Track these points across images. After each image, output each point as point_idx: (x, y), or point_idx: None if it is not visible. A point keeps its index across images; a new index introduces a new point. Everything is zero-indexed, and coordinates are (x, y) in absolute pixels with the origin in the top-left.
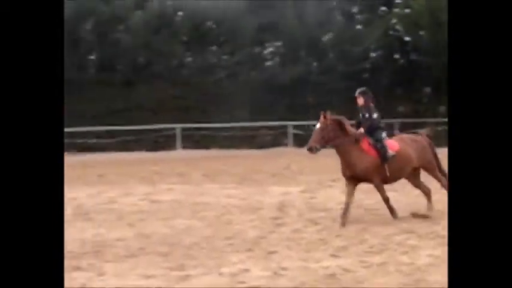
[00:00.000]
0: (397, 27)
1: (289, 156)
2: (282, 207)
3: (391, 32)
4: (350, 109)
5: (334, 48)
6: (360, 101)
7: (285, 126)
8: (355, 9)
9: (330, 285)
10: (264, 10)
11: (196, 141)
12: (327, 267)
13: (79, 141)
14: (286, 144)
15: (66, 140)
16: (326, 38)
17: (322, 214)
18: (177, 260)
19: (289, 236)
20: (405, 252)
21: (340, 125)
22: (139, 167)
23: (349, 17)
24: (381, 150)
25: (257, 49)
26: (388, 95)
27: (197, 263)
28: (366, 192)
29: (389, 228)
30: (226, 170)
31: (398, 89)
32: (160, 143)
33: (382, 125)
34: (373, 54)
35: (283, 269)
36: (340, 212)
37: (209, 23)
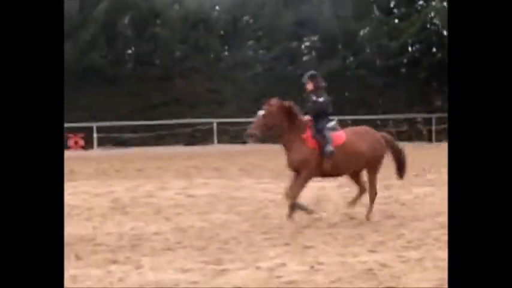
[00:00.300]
0: (435, 21)
1: None
2: (318, 202)
3: (428, 26)
4: (386, 102)
5: (371, 42)
6: (309, 86)
7: None
8: (392, 3)
9: (367, 281)
10: (301, 4)
11: (233, 135)
12: (364, 263)
13: (116, 135)
14: None
15: (103, 135)
16: (363, 32)
17: (359, 209)
18: (214, 254)
19: (325, 230)
20: (442, 248)
21: (288, 112)
22: (176, 161)
23: (387, 11)
24: (320, 143)
25: (294, 44)
26: (426, 89)
27: (234, 257)
28: (401, 187)
29: (426, 223)
30: (263, 164)
31: (435, 83)
32: (197, 137)
33: (331, 110)
34: (410, 49)
35: (320, 263)
36: (378, 207)
37: (246, 18)
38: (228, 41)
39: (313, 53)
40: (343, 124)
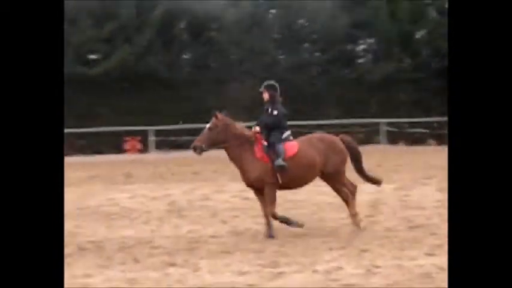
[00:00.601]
0: None
1: (382, 153)
2: (375, 205)
3: None
4: (443, 105)
5: (427, 44)
6: (266, 95)
7: (377, 124)
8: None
9: (424, 285)
10: (357, 7)
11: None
12: (421, 266)
13: (173, 138)
14: (378, 142)
15: (160, 138)
16: (420, 34)
17: (417, 212)
18: (270, 257)
19: (382, 234)
20: None
21: (233, 129)
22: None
23: (444, 13)
24: (271, 157)
25: (349, 46)
26: None
27: (290, 260)
28: None
29: None
30: None
31: None
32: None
33: (285, 123)
34: None
35: (377, 267)
36: (436, 210)
37: (302, 21)
38: (283, 44)
39: (369, 56)
40: (398, 127)
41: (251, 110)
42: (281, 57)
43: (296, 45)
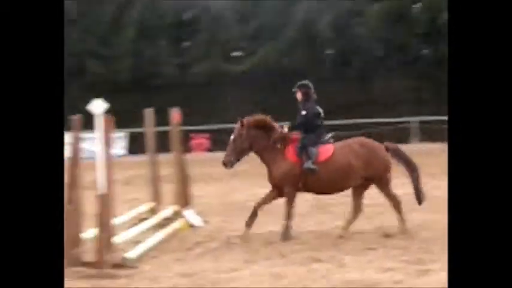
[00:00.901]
0: None
1: None
2: None
3: None
4: None
5: None
6: (299, 95)
7: None
8: None
9: None
10: None
11: (431, 134)
12: None
13: None
14: None
15: None
16: None
17: None
18: (415, 253)
19: None
20: None
21: (263, 127)
22: None
23: None
24: (302, 159)
25: None
26: None
27: (436, 257)
28: None
29: None
30: None
31: None
32: (396, 136)
33: (320, 122)
34: None
35: None
36: None
37: (446, 15)
38: (427, 39)
39: None
40: None
41: (392, 106)
42: (425, 51)
43: (440, 40)
